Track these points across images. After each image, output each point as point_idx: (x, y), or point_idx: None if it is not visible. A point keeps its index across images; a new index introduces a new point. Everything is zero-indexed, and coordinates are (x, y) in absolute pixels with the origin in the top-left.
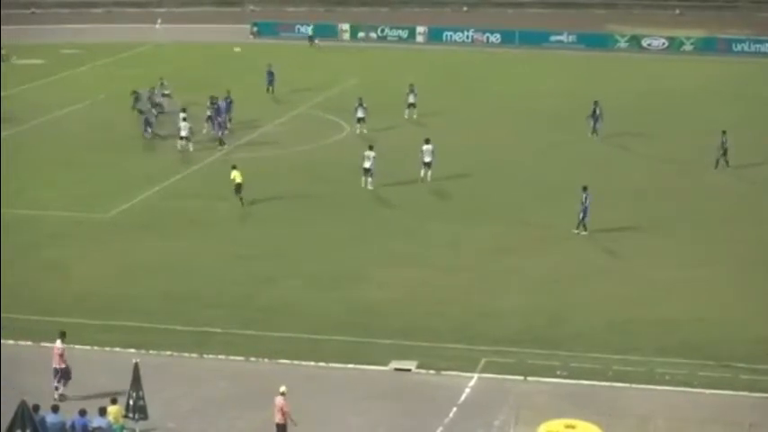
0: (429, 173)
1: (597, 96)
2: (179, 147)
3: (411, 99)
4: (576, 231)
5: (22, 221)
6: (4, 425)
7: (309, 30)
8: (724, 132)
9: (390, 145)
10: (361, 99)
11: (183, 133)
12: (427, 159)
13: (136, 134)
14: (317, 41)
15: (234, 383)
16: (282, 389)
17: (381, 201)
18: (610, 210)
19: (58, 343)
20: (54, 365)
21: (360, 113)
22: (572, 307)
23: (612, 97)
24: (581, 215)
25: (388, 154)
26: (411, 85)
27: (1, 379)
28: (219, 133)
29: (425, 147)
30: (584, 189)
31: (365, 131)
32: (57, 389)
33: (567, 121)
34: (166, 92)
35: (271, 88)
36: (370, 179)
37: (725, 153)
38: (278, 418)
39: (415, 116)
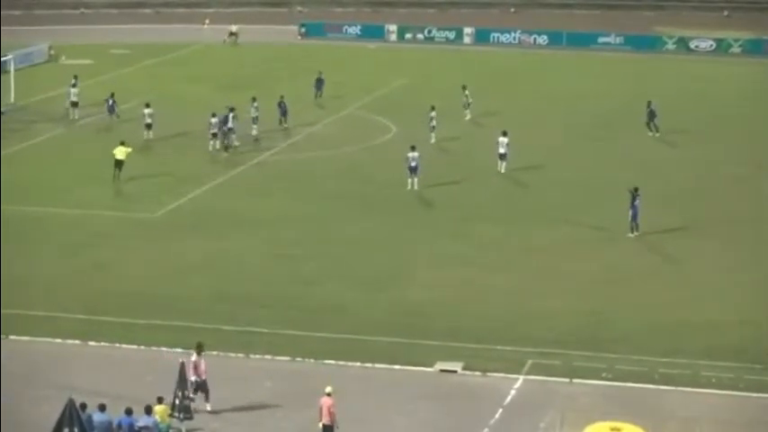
0: (504, 164)
1: (645, 98)
2: (210, 148)
3: (467, 99)
4: (631, 234)
5: (70, 221)
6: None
7: (357, 30)
8: None
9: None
10: (433, 106)
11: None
12: (502, 151)
13: (181, 133)
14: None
15: (279, 384)
16: (328, 389)
17: (427, 201)
18: (657, 212)
19: (194, 356)
20: (191, 377)
21: (433, 122)
22: (618, 309)
23: (660, 99)
24: (632, 217)
25: (435, 155)
26: (464, 86)
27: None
28: (253, 135)
29: (501, 139)
30: (635, 190)
31: (432, 141)
32: (192, 400)
33: (614, 123)
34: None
35: (319, 94)
36: (415, 179)
37: None
38: (325, 419)
39: (468, 117)
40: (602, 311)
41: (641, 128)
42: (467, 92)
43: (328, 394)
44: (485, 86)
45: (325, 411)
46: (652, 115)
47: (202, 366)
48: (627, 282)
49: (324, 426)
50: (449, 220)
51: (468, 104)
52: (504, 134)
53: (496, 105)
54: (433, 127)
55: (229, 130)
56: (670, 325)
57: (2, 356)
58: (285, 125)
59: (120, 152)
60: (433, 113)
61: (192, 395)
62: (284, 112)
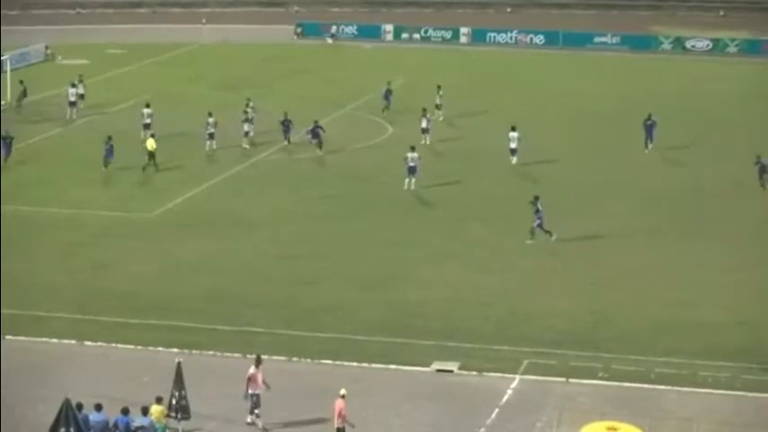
0: (515, 158)
1: (641, 97)
2: (206, 148)
3: (438, 101)
4: (530, 241)
5: (67, 221)
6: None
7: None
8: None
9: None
10: (425, 110)
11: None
12: (513, 146)
13: (179, 134)
14: (329, 40)
15: (277, 383)
16: (342, 391)
17: (424, 201)
18: (653, 212)
19: (252, 368)
20: (248, 391)
21: (424, 124)
22: (615, 309)
23: (657, 99)
24: (537, 224)
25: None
26: (439, 87)
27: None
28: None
29: (512, 134)
30: (536, 199)
31: (427, 142)
32: (258, 416)
33: (610, 123)
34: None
35: (386, 105)
36: (413, 180)
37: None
38: (337, 423)
39: (441, 118)
40: (600, 311)
41: (637, 127)
42: (440, 92)
43: (342, 396)
44: (479, 86)
45: (336, 414)
46: (651, 129)
47: (260, 379)
48: (623, 282)
49: (337, 429)
50: (445, 221)
51: (440, 106)
52: (513, 129)
53: (488, 105)
54: (427, 129)
55: (286, 128)
56: (667, 325)
57: (0, 357)
58: (319, 151)
59: (151, 144)
60: (427, 116)
61: (257, 411)
62: (287, 130)
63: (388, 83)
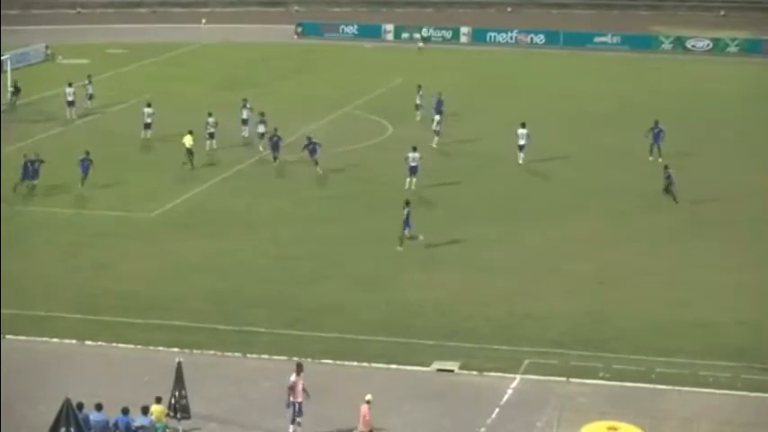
0: (522, 155)
1: (641, 97)
2: (206, 147)
3: (418, 101)
4: (400, 248)
5: (67, 220)
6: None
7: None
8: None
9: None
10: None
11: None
12: (521, 142)
13: (179, 134)
14: (420, 44)
15: (277, 383)
16: (368, 397)
17: (425, 201)
18: (652, 212)
19: (293, 376)
20: (289, 399)
21: (435, 126)
22: (616, 308)
23: (657, 98)
24: (405, 227)
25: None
26: (419, 87)
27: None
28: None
29: (520, 131)
30: (407, 203)
31: (434, 145)
32: (300, 424)
33: (609, 123)
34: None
35: (440, 116)
36: (414, 180)
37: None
38: (362, 428)
39: (418, 118)
40: (600, 311)
41: (638, 127)
42: (420, 92)
43: (367, 402)
44: (479, 86)
45: (361, 419)
46: (657, 137)
47: (300, 387)
48: (623, 282)
49: None
50: (446, 220)
51: (420, 106)
52: (523, 125)
53: (487, 105)
54: (438, 131)
55: (274, 145)
56: (668, 324)
57: (0, 356)
58: (318, 169)
59: (188, 140)
60: (437, 117)
61: (298, 419)
62: (276, 147)
63: (439, 93)
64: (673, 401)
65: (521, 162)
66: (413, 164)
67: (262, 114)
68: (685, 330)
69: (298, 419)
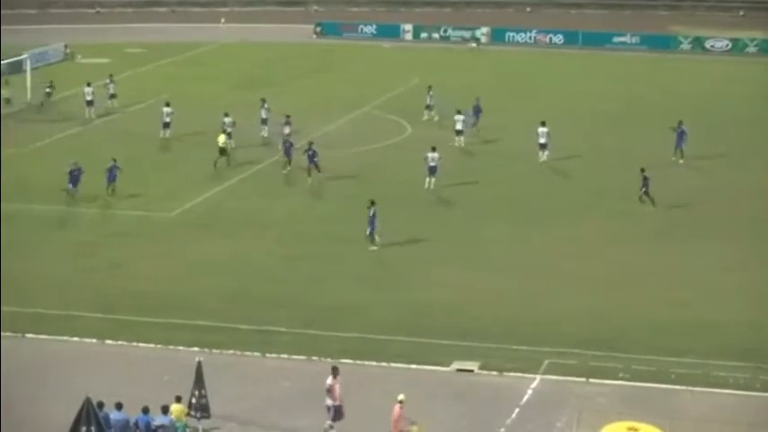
0: (546, 153)
1: (657, 97)
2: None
3: (428, 101)
4: (374, 247)
5: (87, 220)
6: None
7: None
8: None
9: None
10: (459, 111)
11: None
12: (542, 141)
13: (198, 133)
14: (473, 44)
15: (296, 383)
16: (401, 397)
17: (444, 201)
18: (668, 212)
19: (330, 379)
20: (327, 402)
21: (459, 126)
22: (634, 309)
23: (674, 98)
24: (369, 228)
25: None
26: (429, 87)
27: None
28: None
29: (540, 129)
30: (372, 203)
31: (462, 145)
32: (331, 428)
33: (627, 123)
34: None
35: (476, 123)
36: (433, 180)
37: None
38: (394, 428)
39: (436, 118)
40: (619, 311)
41: (652, 126)
42: (431, 92)
43: (400, 402)
44: (499, 86)
45: (394, 420)
46: (680, 137)
47: (338, 390)
48: (642, 282)
49: None
50: (464, 220)
51: (430, 106)
52: (543, 124)
53: (507, 105)
54: (461, 131)
55: (312, 159)
56: (687, 325)
57: (18, 355)
58: (310, 179)
59: (222, 140)
60: (459, 116)
61: (330, 423)
62: (312, 157)
63: (477, 98)
64: (691, 402)
65: (543, 160)
66: (432, 164)
67: (288, 117)
68: (703, 330)
69: (331, 422)
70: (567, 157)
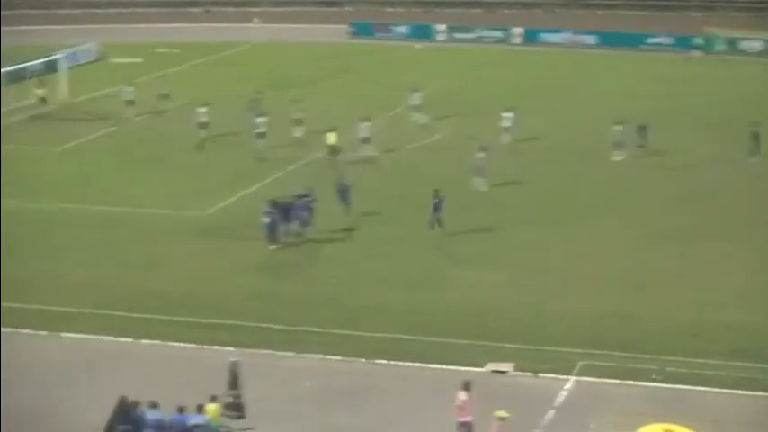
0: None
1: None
2: (257, 147)
3: (414, 101)
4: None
5: (120, 219)
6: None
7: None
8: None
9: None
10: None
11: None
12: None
13: (232, 133)
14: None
15: (330, 383)
16: (502, 414)
17: (486, 202)
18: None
19: (462, 394)
20: (457, 419)
21: (506, 123)
22: (673, 310)
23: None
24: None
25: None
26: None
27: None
28: None
29: (615, 128)
30: (437, 192)
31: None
32: None
33: (658, 126)
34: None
35: (643, 143)
36: (481, 180)
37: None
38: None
39: (420, 121)
40: (648, 312)
41: (683, 128)
42: (418, 93)
43: (500, 419)
44: (532, 87)
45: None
46: (755, 138)
47: (468, 406)
48: (671, 283)
49: None
50: (500, 221)
51: (414, 107)
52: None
53: (541, 106)
54: (508, 128)
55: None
56: (717, 326)
57: (53, 353)
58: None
59: (332, 138)
60: (508, 114)
61: None
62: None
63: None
64: (731, 405)
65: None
66: (479, 164)
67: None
68: (745, 333)
69: None
70: (598, 156)
